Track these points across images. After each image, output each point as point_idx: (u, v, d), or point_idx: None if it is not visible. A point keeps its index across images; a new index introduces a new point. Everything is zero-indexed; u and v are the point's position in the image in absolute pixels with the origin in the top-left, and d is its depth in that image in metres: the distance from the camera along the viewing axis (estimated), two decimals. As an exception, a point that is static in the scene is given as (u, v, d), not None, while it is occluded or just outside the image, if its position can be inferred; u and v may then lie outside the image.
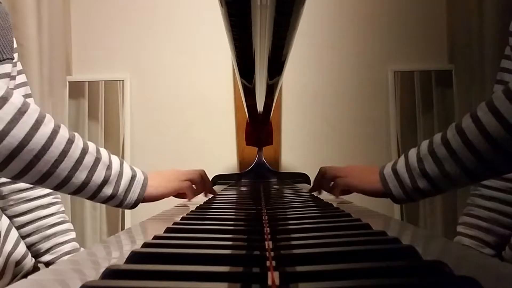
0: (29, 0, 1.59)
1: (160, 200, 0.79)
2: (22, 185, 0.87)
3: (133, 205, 0.74)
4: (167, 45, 1.88)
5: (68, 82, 1.86)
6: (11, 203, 0.87)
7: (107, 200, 0.71)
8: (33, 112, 0.61)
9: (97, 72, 1.89)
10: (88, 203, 1.82)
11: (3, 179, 0.86)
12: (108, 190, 0.70)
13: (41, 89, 1.62)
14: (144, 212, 0.75)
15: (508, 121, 0.62)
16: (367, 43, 1.86)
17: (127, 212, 1.80)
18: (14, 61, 0.83)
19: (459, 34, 1.79)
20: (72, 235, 0.93)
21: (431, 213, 1.79)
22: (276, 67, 0.73)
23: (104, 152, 0.70)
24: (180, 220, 0.52)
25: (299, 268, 0.29)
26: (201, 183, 0.84)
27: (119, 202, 0.72)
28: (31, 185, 0.86)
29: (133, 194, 0.73)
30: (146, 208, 0.77)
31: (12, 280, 0.82)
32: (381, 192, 0.78)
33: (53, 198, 0.91)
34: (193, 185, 0.84)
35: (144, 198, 0.75)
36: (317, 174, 0.92)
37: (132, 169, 0.74)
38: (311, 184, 0.97)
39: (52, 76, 1.72)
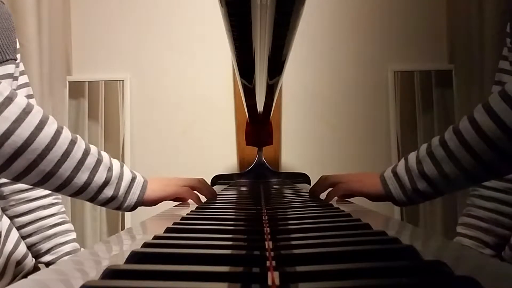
0: (29, 0, 1.59)
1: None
2: (23, 185, 0.87)
3: (133, 208, 0.75)
4: (167, 45, 1.88)
5: (68, 82, 1.86)
6: (12, 203, 0.87)
7: (107, 202, 0.71)
8: (37, 112, 0.62)
9: (97, 72, 1.89)
10: (88, 203, 1.81)
11: (4, 179, 0.86)
12: (109, 192, 0.70)
13: (41, 89, 1.62)
14: (144, 212, 0.75)
15: (503, 121, 0.63)
16: (367, 43, 1.86)
17: (127, 212, 1.80)
18: (17, 61, 0.83)
19: (459, 34, 1.79)
20: (73, 235, 0.93)
21: (431, 213, 1.79)
22: (276, 67, 0.73)
23: (105, 155, 0.71)
24: (180, 220, 0.52)
25: (299, 268, 0.29)
26: (200, 188, 0.84)
27: (119, 204, 0.73)
28: (32, 186, 0.86)
29: (133, 196, 0.73)
30: (146, 208, 0.78)
31: (12, 280, 0.82)
32: (382, 195, 0.78)
33: (54, 199, 0.91)
34: (193, 191, 0.84)
35: (143, 201, 0.75)
36: (317, 182, 0.91)
37: (132, 172, 0.75)
38: (311, 186, 0.97)
39: (52, 76, 1.72)
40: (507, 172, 0.73)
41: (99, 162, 0.68)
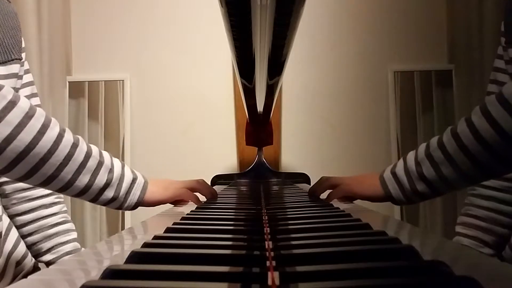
0: (29, 0, 1.59)
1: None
2: (25, 184, 0.87)
3: (133, 207, 0.76)
4: (167, 45, 1.88)
5: (68, 82, 1.86)
6: (13, 201, 0.87)
7: (108, 203, 0.72)
8: (39, 116, 0.63)
9: (97, 72, 1.89)
10: (88, 203, 1.82)
11: (6, 178, 0.86)
12: (109, 193, 0.71)
13: (41, 89, 1.62)
14: (144, 213, 0.76)
15: (501, 125, 0.64)
16: (367, 43, 1.86)
17: (127, 212, 1.80)
18: (22, 60, 0.83)
19: (459, 34, 1.79)
20: (74, 235, 0.93)
21: (431, 213, 1.79)
22: (276, 67, 0.73)
23: (106, 155, 0.72)
24: (180, 220, 0.52)
25: (299, 268, 0.29)
26: (200, 189, 0.84)
27: (119, 205, 0.74)
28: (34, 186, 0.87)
29: (133, 197, 0.74)
30: (146, 208, 0.78)
31: (13, 281, 0.82)
32: (381, 196, 0.78)
33: (56, 198, 0.91)
34: (192, 192, 0.83)
35: (143, 202, 0.76)
36: (317, 182, 0.91)
37: (133, 172, 0.76)
38: (311, 185, 0.96)
39: (52, 76, 1.72)
40: (505, 173, 0.73)
41: (100, 164, 0.69)
